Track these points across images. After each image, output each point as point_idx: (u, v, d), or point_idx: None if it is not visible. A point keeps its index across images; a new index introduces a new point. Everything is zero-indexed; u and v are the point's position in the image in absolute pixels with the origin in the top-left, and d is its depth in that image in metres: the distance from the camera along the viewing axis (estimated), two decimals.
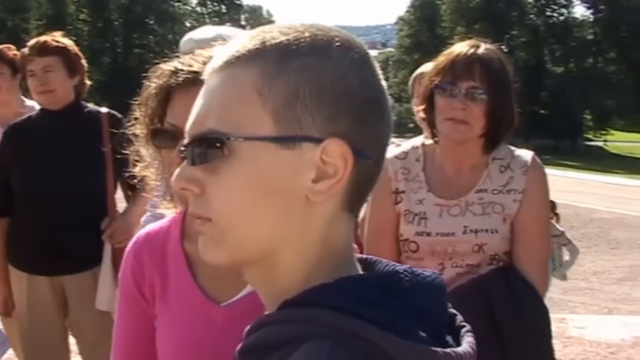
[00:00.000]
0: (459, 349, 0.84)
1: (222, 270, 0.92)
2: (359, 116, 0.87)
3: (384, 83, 0.93)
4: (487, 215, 2.31)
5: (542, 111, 58.76)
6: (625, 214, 16.33)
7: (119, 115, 3.50)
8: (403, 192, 2.38)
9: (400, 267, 0.89)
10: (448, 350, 0.82)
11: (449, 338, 0.87)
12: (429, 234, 2.33)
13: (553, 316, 6.04)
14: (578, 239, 12.79)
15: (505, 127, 2.32)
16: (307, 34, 0.88)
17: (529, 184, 2.31)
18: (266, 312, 0.91)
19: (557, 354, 5.16)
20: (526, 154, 2.39)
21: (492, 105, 2.25)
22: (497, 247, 2.30)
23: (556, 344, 5.37)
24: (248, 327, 0.90)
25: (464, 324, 0.91)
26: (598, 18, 69.22)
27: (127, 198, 3.72)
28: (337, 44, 0.89)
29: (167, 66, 1.48)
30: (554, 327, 5.88)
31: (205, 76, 0.92)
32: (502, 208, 2.31)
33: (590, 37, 69.90)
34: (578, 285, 9.58)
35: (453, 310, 0.92)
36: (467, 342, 0.87)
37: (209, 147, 0.86)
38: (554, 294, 8.91)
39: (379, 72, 0.93)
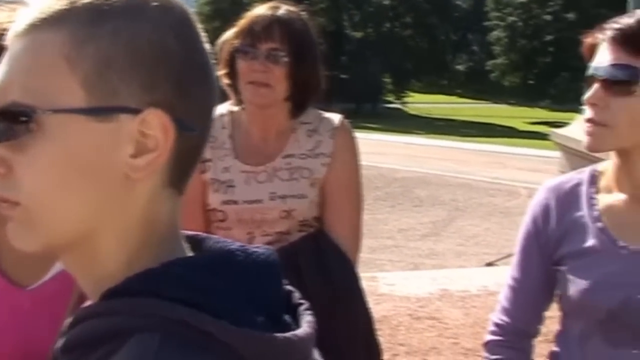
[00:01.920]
0: (299, 332, 0.78)
1: (27, 253, 0.81)
2: (180, 83, 0.79)
3: (207, 46, 0.84)
4: (294, 180, 2.27)
5: (342, 75, 60.11)
6: (426, 173, 16.99)
7: None
8: (209, 160, 2.31)
9: (232, 246, 0.82)
10: (288, 334, 0.76)
11: (287, 317, 0.81)
12: (235, 202, 2.27)
13: (363, 275, 6.17)
14: (383, 199, 13.24)
15: (311, 90, 2.29)
16: None
17: (337, 148, 2.29)
18: (87, 303, 0.81)
19: None
20: (334, 118, 2.37)
21: (294, 67, 2.20)
22: (306, 213, 2.26)
23: (368, 302, 5.54)
24: (69, 320, 0.80)
25: (301, 301, 0.85)
26: None
27: None
28: (155, 3, 0.79)
29: None
30: (365, 285, 6.02)
31: (7, 42, 0.80)
32: (310, 172, 2.27)
33: (387, 2, 72.09)
34: (385, 244, 9.87)
35: (289, 287, 0.87)
36: (307, 322, 0.81)
37: (14, 121, 0.75)
38: (362, 254, 9.12)
39: (202, 34, 0.84)
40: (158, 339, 0.71)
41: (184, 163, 0.83)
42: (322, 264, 2.20)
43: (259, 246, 0.84)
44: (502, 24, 69.91)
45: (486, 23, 73.16)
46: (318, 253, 2.21)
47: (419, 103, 67.14)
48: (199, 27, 0.85)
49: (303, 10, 2.37)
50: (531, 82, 59.31)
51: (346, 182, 2.31)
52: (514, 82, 62.72)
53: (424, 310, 5.39)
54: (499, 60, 68.18)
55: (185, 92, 0.79)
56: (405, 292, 5.83)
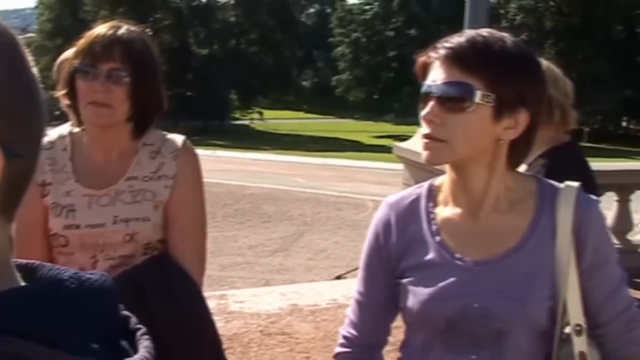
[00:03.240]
0: (136, 357, 0.77)
1: None
2: (8, 109, 0.76)
3: (35, 70, 0.81)
4: (137, 203, 2.23)
5: (189, 93, 59.61)
6: (274, 189, 17.11)
7: None
8: (50, 184, 2.23)
9: (65, 274, 0.79)
10: None
11: (124, 343, 0.79)
12: (78, 227, 2.21)
13: (213, 293, 6.13)
14: (232, 216, 13.23)
15: (153, 110, 2.25)
16: None
17: (179, 170, 2.26)
18: None
19: (220, 330, 5.26)
20: (177, 139, 2.34)
21: (136, 88, 2.16)
22: (149, 236, 2.23)
23: (219, 320, 5.46)
24: None
25: (138, 326, 0.84)
26: (239, 1, 71.74)
27: None
28: None
29: None
30: (215, 304, 5.97)
31: None
32: (153, 195, 2.24)
33: (232, 19, 72.23)
34: (235, 261, 9.87)
35: (126, 313, 0.85)
36: (144, 347, 0.80)
37: None
38: (213, 272, 9.10)
39: (29, 58, 0.81)
40: None
41: (13, 190, 0.80)
42: (166, 286, 2.17)
43: (93, 273, 0.82)
44: (346, 40, 71.38)
45: (331, 39, 74.46)
46: (162, 275, 2.18)
47: (266, 119, 67.50)
48: (26, 51, 0.82)
49: (146, 28, 2.34)
50: (376, 96, 60.75)
51: (189, 204, 2.29)
52: (358, 97, 64.10)
53: (274, 326, 5.40)
54: (344, 76, 69.49)
55: (14, 118, 0.77)
56: (255, 308, 5.83)
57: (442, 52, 1.56)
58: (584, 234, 1.63)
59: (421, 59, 1.62)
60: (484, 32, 1.60)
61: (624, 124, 62.57)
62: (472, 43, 1.55)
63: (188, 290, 2.22)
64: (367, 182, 18.68)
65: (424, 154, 1.59)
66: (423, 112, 1.57)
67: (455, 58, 1.54)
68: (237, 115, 68.17)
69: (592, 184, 2.85)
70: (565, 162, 2.83)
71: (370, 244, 1.76)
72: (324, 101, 75.18)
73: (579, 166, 2.96)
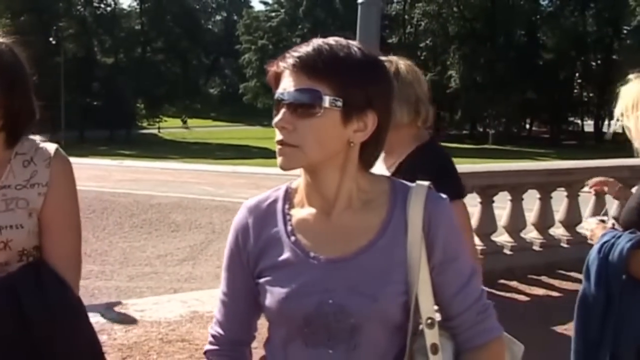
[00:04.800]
0: None
1: None
2: None
3: None
4: (11, 211, 2.24)
5: (94, 103, 58.68)
6: (182, 197, 16.97)
7: None
8: None
9: None
10: None
11: None
12: None
13: (110, 302, 6.06)
14: (139, 226, 13.09)
15: (25, 120, 2.27)
16: None
17: (53, 177, 2.29)
18: None
19: (120, 339, 5.27)
20: (50, 147, 2.36)
21: (6, 98, 2.19)
22: (24, 243, 2.24)
23: (118, 329, 5.50)
24: None
25: None
26: (144, 9, 70.98)
27: None
28: None
29: None
30: (115, 314, 5.94)
31: None
32: (26, 203, 2.25)
33: (138, 27, 71.38)
34: (143, 271, 9.77)
35: None
36: None
37: None
38: (121, 283, 9.03)
39: None
40: None
41: None
42: (41, 293, 2.19)
43: None
44: (253, 47, 71.42)
45: (237, 47, 74.39)
46: (37, 282, 2.20)
47: (173, 128, 66.91)
48: None
49: (51, 38, 2.34)
50: None
51: (63, 210, 2.31)
52: (266, 104, 64.07)
53: (174, 333, 5.41)
54: (252, 83, 69.51)
55: None
56: (155, 317, 5.82)
57: (290, 61, 1.63)
58: (434, 231, 1.71)
59: (272, 69, 1.69)
60: (331, 40, 1.67)
61: (527, 126, 64.28)
62: (318, 51, 1.63)
63: (64, 297, 2.24)
64: None
65: (279, 159, 1.65)
66: (275, 120, 1.64)
67: (303, 66, 1.61)
68: (144, 124, 67.37)
69: (454, 181, 2.95)
70: (430, 159, 2.92)
71: (231, 246, 1.83)
72: (232, 109, 75.01)
73: (444, 163, 3.04)
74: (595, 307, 3.02)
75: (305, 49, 1.64)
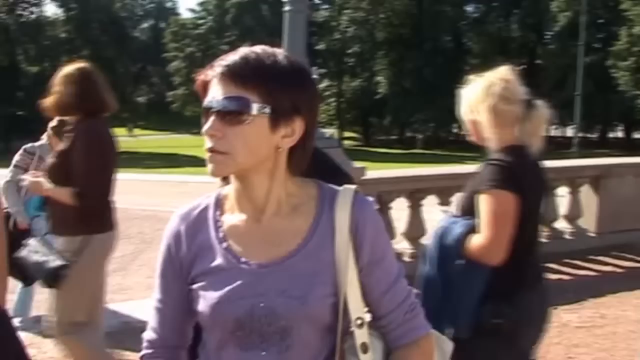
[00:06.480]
0: None
1: None
2: None
3: None
4: None
5: (20, 112, 57.44)
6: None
7: None
8: None
9: None
10: None
11: None
12: None
13: (38, 315, 5.95)
14: None
15: None
16: None
17: None
18: None
19: (50, 353, 5.17)
20: None
21: None
22: None
23: (48, 342, 5.38)
24: None
25: None
26: (70, 16, 69.86)
27: None
28: None
29: None
30: (38, 329, 5.80)
31: None
32: None
33: (63, 35, 70.22)
34: None
35: None
36: None
37: None
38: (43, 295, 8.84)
39: None
40: None
41: None
42: None
43: None
44: (181, 54, 70.92)
45: (165, 54, 73.75)
46: None
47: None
48: None
49: None
50: None
51: None
52: (195, 112, 63.61)
53: (107, 345, 5.34)
54: (180, 91, 69.00)
55: None
56: None
57: (218, 69, 1.66)
58: (361, 233, 1.75)
59: (200, 77, 1.72)
60: (257, 48, 1.70)
61: (455, 130, 65.07)
62: (246, 59, 1.66)
63: None
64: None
65: (209, 166, 1.68)
66: (205, 128, 1.66)
67: (231, 74, 1.65)
68: None
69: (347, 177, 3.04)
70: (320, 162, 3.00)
71: (164, 254, 1.86)
72: (159, 117, 74.33)
73: (335, 164, 3.18)
74: (435, 289, 3.17)
75: (233, 57, 1.67)
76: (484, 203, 3.09)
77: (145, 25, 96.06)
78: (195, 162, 39.09)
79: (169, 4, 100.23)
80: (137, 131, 70.61)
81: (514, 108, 3.21)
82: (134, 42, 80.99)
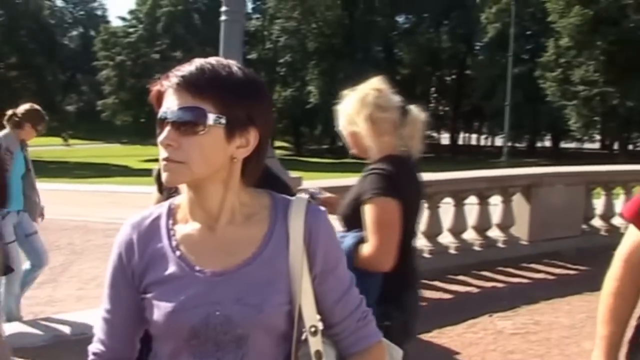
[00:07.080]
0: None
1: None
2: None
3: None
4: None
5: None
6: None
7: None
8: None
9: None
10: None
11: None
12: None
13: None
14: None
15: None
16: None
17: None
18: None
19: None
20: None
21: None
22: None
23: None
24: None
25: None
26: None
27: None
28: None
29: None
30: None
31: None
32: None
33: None
34: None
35: None
36: None
37: None
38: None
39: None
40: None
41: None
42: None
43: None
44: (111, 63, 70.08)
45: (95, 63, 72.82)
46: None
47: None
48: None
49: None
50: (143, 120, 59.94)
51: None
52: (125, 121, 63.04)
53: (41, 359, 5.25)
54: (110, 100, 68.17)
55: None
56: (19, 343, 5.61)
57: (174, 80, 1.66)
58: (314, 242, 1.77)
59: (155, 87, 1.71)
60: (212, 60, 1.71)
61: None
62: (201, 70, 1.67)
63: None
64: (136, 207, 18.02)
65: (164, 175, 1.68)
66: (160, 138, 1.66)
67: (186, 85, 1.65)
68: None
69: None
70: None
71: (114, 263, 1.83)
72: (89, 126, 73.35)
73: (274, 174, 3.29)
74: None
75: (189, 68, 1.68)
76: (369, 212, 3.18)
77: (74, 32, 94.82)
78: (126, 172, 38.76)
79: (99, 12, 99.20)
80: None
81: (389, 115, 3.33)
82: (64, 50, 79.79)
